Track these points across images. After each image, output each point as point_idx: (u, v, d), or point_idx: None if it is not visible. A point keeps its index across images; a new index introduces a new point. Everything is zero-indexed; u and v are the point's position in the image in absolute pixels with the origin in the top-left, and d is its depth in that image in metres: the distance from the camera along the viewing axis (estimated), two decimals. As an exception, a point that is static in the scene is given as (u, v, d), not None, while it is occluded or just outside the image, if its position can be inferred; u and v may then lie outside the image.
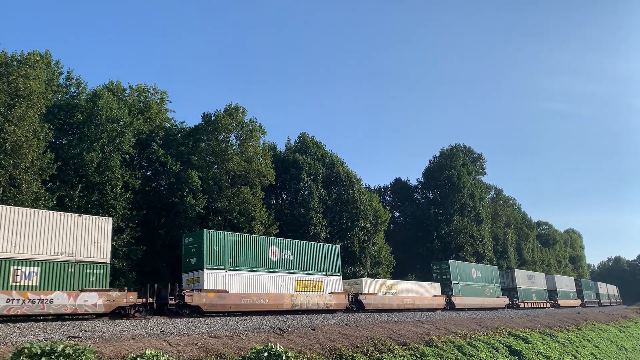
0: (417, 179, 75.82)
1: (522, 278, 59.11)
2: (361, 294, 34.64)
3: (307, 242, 33.82)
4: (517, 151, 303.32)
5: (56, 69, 37.05)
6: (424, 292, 41.41)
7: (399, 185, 75.15)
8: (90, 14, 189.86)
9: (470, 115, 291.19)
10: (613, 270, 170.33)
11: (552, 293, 66.96)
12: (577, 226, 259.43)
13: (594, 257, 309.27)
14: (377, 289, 36.60)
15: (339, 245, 36.33)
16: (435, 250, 62.05)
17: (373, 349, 20.55)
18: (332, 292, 32.33)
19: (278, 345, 15.52)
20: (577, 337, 38.28)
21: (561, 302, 67.35)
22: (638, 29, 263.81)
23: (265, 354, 14.49)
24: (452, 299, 43.86)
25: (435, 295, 42.14)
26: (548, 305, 62.71)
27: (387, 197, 75.18)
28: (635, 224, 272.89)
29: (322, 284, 32.04)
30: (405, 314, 34.95)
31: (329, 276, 32.87)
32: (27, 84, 28.26)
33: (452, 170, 70.17)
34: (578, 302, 75.60)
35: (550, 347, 31.09)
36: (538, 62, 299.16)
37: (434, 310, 41.22)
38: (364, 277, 42.01)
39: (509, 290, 56.96)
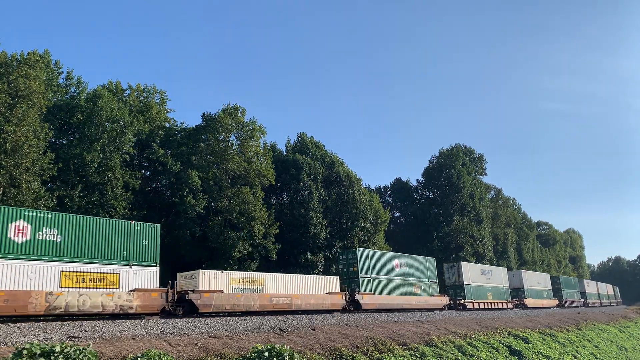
0: (417, 179, 75.93)
1: (473, 273, 49.47)
2: (194, 291, 25.13)
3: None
4: (517, 151, 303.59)
5: (56, 68, 37.06)
6: (312, 287, 31.70)
7: (399, 186, 75.18)
8: (90, 14, 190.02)
9: (470, 115, 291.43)
10: (613, 271, 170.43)
11: (518, 291, 58.19)
12: (577, 226, 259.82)
13: (594, 257, 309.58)
14: (225, 284, 26.98)
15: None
16: (435, 250, 62.03)
17: (373, 349, 20.56)
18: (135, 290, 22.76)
19: (285, 346, 15.52)
20: (577, 337, 38.29)
21: (529, 302, 57.71)
22: (638, 28, 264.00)
23: (266, 354, 14.49)
24: (358, 297, 34.31)
25: (329, 293, 32.56)
26: (510, 305, 53.34)
27: (387, 197, 75.22)
28: (635, 224, 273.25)
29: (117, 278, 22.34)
30: (299, 316, 27.21)
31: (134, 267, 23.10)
32: (27, 84, 28.28)
33: (452, 171, 70.20)
34: (554, 302, 66.21)
35: (550, 347, 31.10)
36: (538, 62, 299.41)
37: (328, 312, 31.83)
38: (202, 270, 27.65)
39: (455, 288, 48.06)
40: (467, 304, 46.56)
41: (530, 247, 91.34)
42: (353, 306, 34.05)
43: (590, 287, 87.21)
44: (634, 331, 53.91)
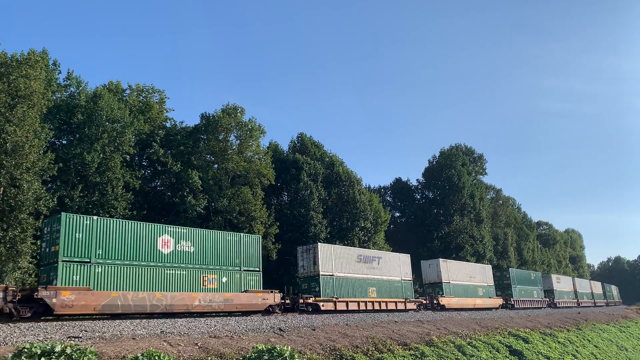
0: (417, 179, 75.93)
1: (326, 255, 33.05)
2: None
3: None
4: (517, 151, 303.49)
5: (54, 67, 37.04)
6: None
7: (399, 186, 75.17)
8: (90, 14, 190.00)
9: (470, 115, 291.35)
10: (613, 270, 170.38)
11: (436, 287, 43.79)
12: (577, 226, 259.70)
13: (594, 257, 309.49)
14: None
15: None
16: (436, 250, 62.06)
17: (373, 349, 20.57)
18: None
19: (286, 346, 15.52)
20: (577, 337, 38.29)
21: (448, 300, 43.00)
22: (638, 28, 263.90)
23: (267, 354, 14.49)
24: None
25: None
26: (411, 306, 38.26)
27: (387, 197, 75.22)
28: (635, 224, 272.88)
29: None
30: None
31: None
32: (27, 84, 28.25)
33: (452, 170, 70.17)
34: (496, 301, 50.77)
35: (550, 347, 31.10)
36: (538, 62, 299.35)
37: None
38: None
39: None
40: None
41: (530, 247, 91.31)
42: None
43: (564, 283, 73.15)
44: (634, 331, 53.90)
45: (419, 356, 21.60)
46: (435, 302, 41.78)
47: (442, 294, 42.95)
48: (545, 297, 64.79)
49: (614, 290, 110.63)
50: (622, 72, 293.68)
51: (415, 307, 38.50)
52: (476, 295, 47.91)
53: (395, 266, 38.87)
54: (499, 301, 51.86)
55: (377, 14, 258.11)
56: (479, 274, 50.06)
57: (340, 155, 55.78)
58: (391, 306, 36.30)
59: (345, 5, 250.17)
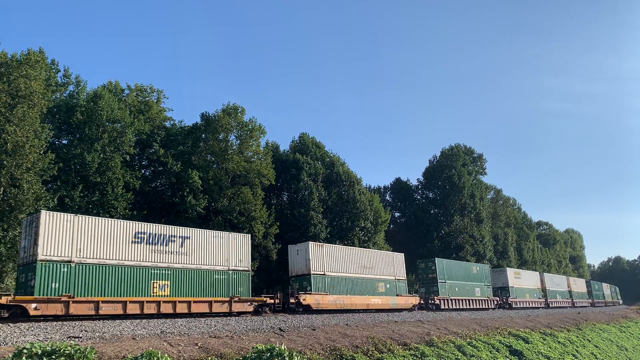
0: (417, 179, 75.96)
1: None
2: None
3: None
4: (517, 151, 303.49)
5: (52, 67, 37.04)
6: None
7: (399, 185, 75.19)
8: (89, 14, 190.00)
9: (471, 115, 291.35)
10: (613, 270, 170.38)
11: (303, 280, 32.55)
12: (577, 226, 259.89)
13: (594, 257, 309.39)
14: None
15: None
16: (436, 250, 62.05)
17: (373, 349, 20.56)
18: None
19: (284, 345, 15.52)
20: (577, 337, 38.27)
21: (311, 299, 31.73)
22: (638, 28, 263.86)
23: (267, 354, 14.49)
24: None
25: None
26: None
27: (387, 197, 75.23)
28: (636, 224, 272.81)
29: None
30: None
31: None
32: (27, 84, 28.27)
33: (453, 170, 70.19)
34: (409, 300, 39.21)
35: (550, 347, 31.08)
36: (538, 62, 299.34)
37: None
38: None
39: None
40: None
41: (530, 247, 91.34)
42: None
43: (525, 280, 59.70)
44: (634, 331, 53.88)
45: (419, 356, 21.59)
46: (295, 301, 30.22)
47: (311, 289, 31.40)
48: (496, 295, 53.22)
49: (607, 289, 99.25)
50: (622, 72, 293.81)
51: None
52: (374, 292, 36.38)
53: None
54: (413, 300, 39.60)
55: (377, 14, 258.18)
56: (381, 264, 37.96)
57: (340, 155, 55.79)
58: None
59: (345, 5, 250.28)
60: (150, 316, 23.19)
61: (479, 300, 48.88)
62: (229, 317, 24.90)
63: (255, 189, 41.09)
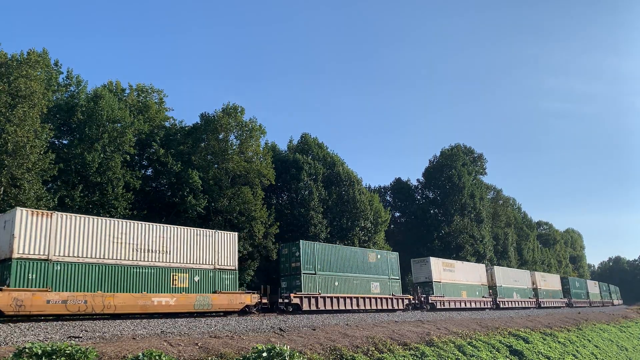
0: (418, 179, 75.98)
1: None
2: None
3: None
4: (517, 151, 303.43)
5: (55, 68, 37.05)
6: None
7: (399, 186, 75.20)
8: (89, 13, 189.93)
9: (471, 115, 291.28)
10: (613, 270, 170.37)
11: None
12: (577, 226, 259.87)
13: (594, 257, 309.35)
14: None
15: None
16: (436, 250, 62.05)
17: (373, 349, 20.57)
18: None
19: (286, 346, 15.53)
20: (577, 337, 38.27)
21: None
22: (638, 28, 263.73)
23: (266, 354, 14.50)
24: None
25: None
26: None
27: (388, 197, 75.24)
28: (636, 224, 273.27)
29: None
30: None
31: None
32: (28, 85, 28.29)
33: (453, 170, 70.20)
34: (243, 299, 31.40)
35: (551, 347, 31.09)
36: (539, 62, 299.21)
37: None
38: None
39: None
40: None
41: (531, 247, 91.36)
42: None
43: (464, 273, 48.51)
44: (634, 331, 53.88)
45: (419, 356, 21.60)
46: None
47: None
48: (422, 293, 42.43)
49: (595, 287, 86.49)
50: (622, 72, 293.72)
51: None
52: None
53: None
54: (246, 299, 28.13)
55: (377, 14, 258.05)
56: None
57: (341, 155, 55.82)
58: None
59: (345, 5, 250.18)
60: (151, 316, 23.25)
61: (378, 298, 36.73)
62: (229, 317, 24.92)
63: (255, 189, 41.08)
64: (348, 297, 34.19)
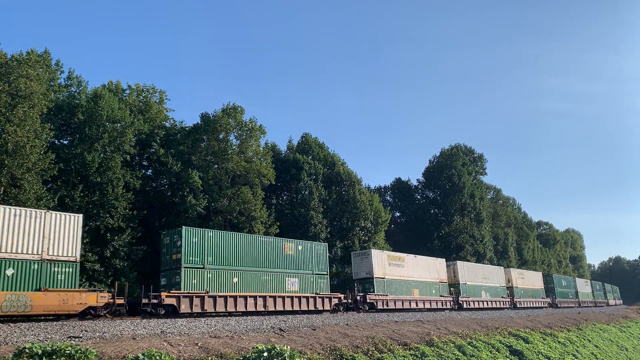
0: (418, 179, 75.97)
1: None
2: None
3: None
4: (517, 151, 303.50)
5: (57, 68, 37.06)
6: None
7: (400, 185, 75.22)
8: (89, 13, 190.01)
9: (471, 115, 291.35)
10: (613, 270, 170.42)
11: None
12: (577, 226, 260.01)
13: (594, 257, 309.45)
14: None
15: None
16: (436, 250, 62.03)
17: (373, 349, 20.57)
18: None
19: (286, 346, 15.53)
20: (577, 337, 38.28)
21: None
22: (638, 28, 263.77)
23: (267, 354, 14.50)
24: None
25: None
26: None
27: (388, 197, 75.25)
28: (636, 224, 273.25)
29: None
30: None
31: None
32: (28, 85, 28.29)
33: (453, 170, 70.21)
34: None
35: (550, 347, 31.10)
36: (539, 62, 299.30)
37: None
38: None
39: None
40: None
41: (531, 247, 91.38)
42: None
43: (415, 269, 40.81)
44: (634, 331, 53.90)
45: (419, 356, 21.60)
46: None
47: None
48: (356, 291, 35.65)
49: (586, 286, 79.05)
50: (622, 72, 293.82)
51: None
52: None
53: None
54: (86, 299, 22.71)
55: (377, 14, 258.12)
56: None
57: (341, 155, 55.81)
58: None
59: (346, 5, 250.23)
60: (149, 315, 23.21)
61: (295, 297, 30.33)
62: (229, 317, 24.91)
63: (255, 189, 41.09)
64: (251, 297, 27.56)
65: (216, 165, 41.21)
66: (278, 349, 14.80)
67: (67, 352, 11.81)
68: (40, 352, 11.54)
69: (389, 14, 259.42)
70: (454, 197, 68.85)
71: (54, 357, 11.60)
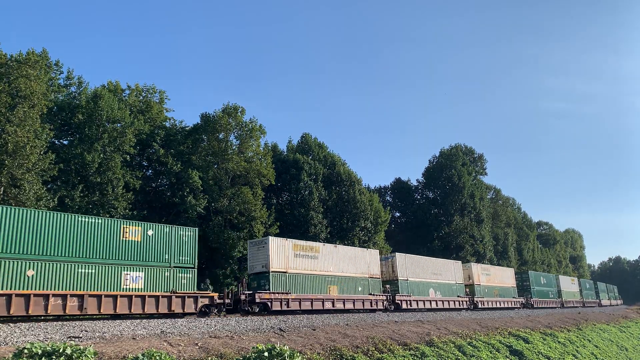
0: (418, 179, 76.04)
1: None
2: None
3: None
4: (517, 151, 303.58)
5: (56, 68, 37.08)
6: None
7: (399, 186, 75.26)
8: (89, 14, 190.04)
9: (471, 115, 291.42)
10: (613, 270, 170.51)
11: None
12: (577, 226, 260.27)
13: (594, 257, 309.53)
14: None
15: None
16: (436, 250, 62.06)
17: (373, 349, 20.56)
18: None
19: (286, 346, 15.52)
20: (577, 337, 38.26)
21: None
22: (639, 28, 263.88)
23: (266, 354, 14.49)
24: None
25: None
26: None
27: (388, 197, 75.28)
28: (636, 224, 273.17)
29: None
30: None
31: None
32: (28, 85, 28.31)
33: (453, 170, 70.24)
34: None
35: (550, 347, 31.08)
36: (539, 62, 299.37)
37: None
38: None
39: None
40: None
41: (531, 247, 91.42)
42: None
43: (338, 262, 33.47)
44: (634, 331, 53.89)
45: (419, 356, 21.59)
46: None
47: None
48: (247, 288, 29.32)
49: (571, 283, 71.73)
50: (622, 72, 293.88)
51: None
52: None
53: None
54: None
55: (377, 14, 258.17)
56: None
57: (341, 155, 55.81)
58: None
59: (346, 5, 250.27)
60: (151, 316, 23.22)
61: (137, 297, 22.96)
62: (229, 317, 24.89)
63: (255, 189, 41.11)
64: (56, 296, 19.95)
65: (216, 165, 41.23)
66: (278, 349, 14.79)
67: (67, 352, 11.81)
68: (40, 352, 11.54)
69: (388, 14, 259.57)
70: (454, 197, 68.88)
71: (54, 357, 11.59)
